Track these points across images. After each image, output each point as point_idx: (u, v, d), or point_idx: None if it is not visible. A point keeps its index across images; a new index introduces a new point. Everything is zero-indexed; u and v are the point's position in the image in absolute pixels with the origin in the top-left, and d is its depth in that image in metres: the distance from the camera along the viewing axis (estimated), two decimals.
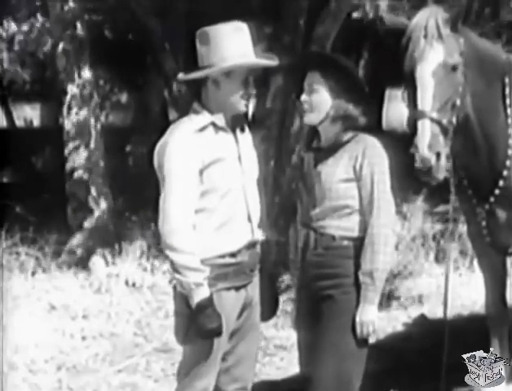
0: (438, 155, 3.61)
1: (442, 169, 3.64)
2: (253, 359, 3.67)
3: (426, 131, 3.60)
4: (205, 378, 3.46)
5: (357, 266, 3.49)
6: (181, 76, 3.51)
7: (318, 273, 3.55)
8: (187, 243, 3.32)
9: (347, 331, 3.48)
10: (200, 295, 3.31)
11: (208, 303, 3.32)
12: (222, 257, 3.41)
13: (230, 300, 3.43)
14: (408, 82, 3.74)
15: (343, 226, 3.52)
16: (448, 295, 4.24)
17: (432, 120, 3.62)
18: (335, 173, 3.52)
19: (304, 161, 3.71)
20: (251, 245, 3.50)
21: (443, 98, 3.67)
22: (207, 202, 3.38)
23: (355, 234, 3.52)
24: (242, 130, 3.56)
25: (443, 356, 4.08)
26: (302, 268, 3.64)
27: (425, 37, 3.69)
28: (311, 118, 3.58)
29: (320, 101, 3.53)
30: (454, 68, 3.71)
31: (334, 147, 3.56)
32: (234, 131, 3.52)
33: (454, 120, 3.70)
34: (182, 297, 3.39)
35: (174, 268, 3.35)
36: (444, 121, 3.65)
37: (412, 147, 3.61)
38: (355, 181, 3.50)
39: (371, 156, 3.49)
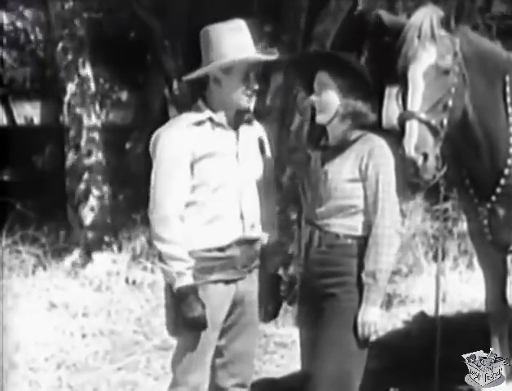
0: (425, 156, 3.56)
1: (429, 170, 3.57)
2: (252, 356, 3.69)
3: (414, 132, 3.55)
4: (196, 372, 3.48)
5: (360, 265, 3.49)
6: (185, 77, 3.56)
7: (321, 271, 3.56)
8: (174, 234, 3.38)
9: (349, 329, 3.49)
10: (181, 283, 3.36)
11: (189, 291, 3.36)
12: (209, 250, 3.45)
13: (217, 294, 3.46)
14: (402, 82, 3.73)
15: (347, 225, 3.53)
16: (439, 293, 4.24)
17: (420, 121, 3.57)
18: (341, 173, 3.52)
19: (311, 159, 3.71)
20: (243, 242, 3.51)
21: (434, 100, 3.62)
22: (197, 195, 3.43)
23: (359, 232, 3.52)
24: (249, 126, 3.58)
25: (436, 356, 4.09)
26: (306, 265, 3.65)
27: (419, 37, 3.65)
28: (322, 118, 3.58)
29: (330, 100, 3.53)
30: (446, 70, 3.69)
31: (342, 146, 3.57)
32: (237, 128, 3.53)
33: (445, 121, 3.67)
34: (169, 288, 3.45)
35: (160, 257, 3.41)
36: (433, 122, 3.60)
37: (399, 148, 3.59)
38: (360, 181, 3.50)
39: (377, 157, 3.49)
